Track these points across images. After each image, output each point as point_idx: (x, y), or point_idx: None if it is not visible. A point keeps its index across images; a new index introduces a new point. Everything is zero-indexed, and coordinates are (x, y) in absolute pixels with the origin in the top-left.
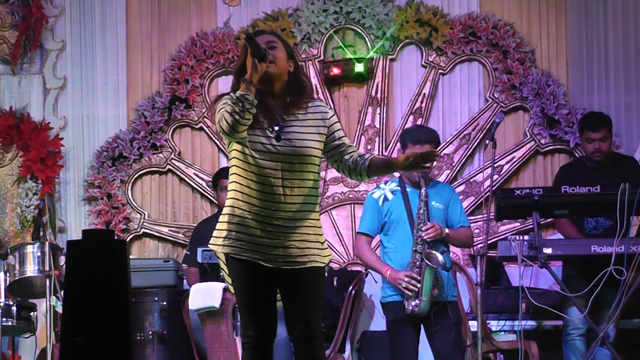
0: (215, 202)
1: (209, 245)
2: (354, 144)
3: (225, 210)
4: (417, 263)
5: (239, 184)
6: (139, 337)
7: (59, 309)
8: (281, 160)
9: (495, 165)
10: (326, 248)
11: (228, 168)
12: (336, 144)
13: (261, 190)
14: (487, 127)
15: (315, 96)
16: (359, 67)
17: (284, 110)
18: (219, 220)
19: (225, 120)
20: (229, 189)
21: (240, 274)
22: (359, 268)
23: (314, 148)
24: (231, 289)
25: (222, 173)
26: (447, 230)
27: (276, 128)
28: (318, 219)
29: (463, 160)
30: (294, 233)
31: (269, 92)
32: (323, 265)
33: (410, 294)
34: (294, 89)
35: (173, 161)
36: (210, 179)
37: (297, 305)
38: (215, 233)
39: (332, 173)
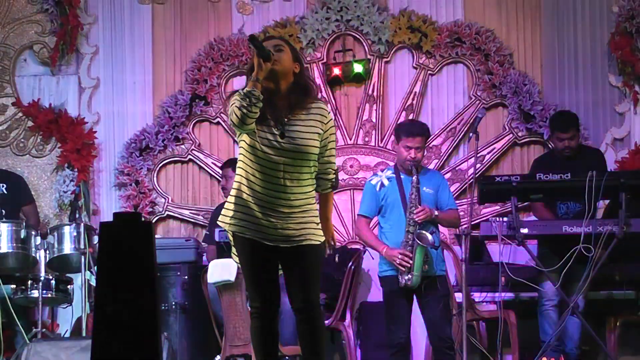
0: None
1: (217, 222)
2: (353, 135)
3: (232, 192)
4: (410, 242)
5: (246, 171)
6: (163, 307)
7: (93, 282)
8: (284, 156)
9: (478, 155)
10: (321, 229)
11: (231, 159)
12: (321, 152)
13: (265, 180)
14: (471, 121)
15: (319, 95)
16: (358, 69)
17: (289, 110)
18: (227, 200)
19: (235, 113)
20: (236, 173)
21: (245, 251)
22: (357, 246)
23: (313, 146)
24: (235, 258)
25: (225, 163)
26: (436, 212)
27: (281, 127)
28: (314, 204)
29: (449, 150)
30: (292, 217)
31: (275, 91)
32: (319, 242)
33: (403, 269)
34: (299, 90)
35: (193, 152)
36: None
37: (297, 279)
38: (223, 211)
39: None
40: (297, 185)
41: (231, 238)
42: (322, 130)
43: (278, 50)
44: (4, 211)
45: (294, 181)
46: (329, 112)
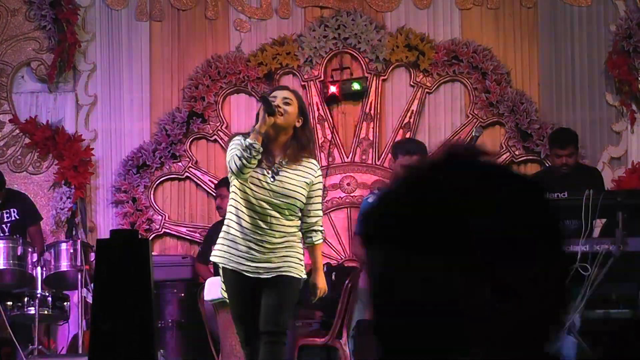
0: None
1: (210, 258)
2: (350, 153)
3: (223, 228)
4: None
5: (236, 208)
6: (160, 324)
7: (89, 300)
8: (271, 197)
9: None
10: (303, 266)
11: (225, 179)
12: (308, 204)
13: (252, 217)
14: (468, 140)
15: (319, 113)
16: (355, 87)
17: (282, 158)
18: (220, 236)
19: (235, 162)
20: (227, 210)
21: (229, 282)
22: (354, 264)
23: (300, 194)
24: (224, 294)
25: (220, 183)
26: None
27: (272, 170)
28: (299, 243)
29: None
30: (274, 252)
31: (274, 140)
32: (298, 277)
33: None
34: (296, 144)
35: (190, 169)
36: None
37: (271, 304)
38: (215, 246)
39: (331, 180)
40: (282, 224)
41: (221, 273)
42: (310, 182)
43: (285, 104)
44: (17, 236)
45: (281, 219)
46: (319, 169)
